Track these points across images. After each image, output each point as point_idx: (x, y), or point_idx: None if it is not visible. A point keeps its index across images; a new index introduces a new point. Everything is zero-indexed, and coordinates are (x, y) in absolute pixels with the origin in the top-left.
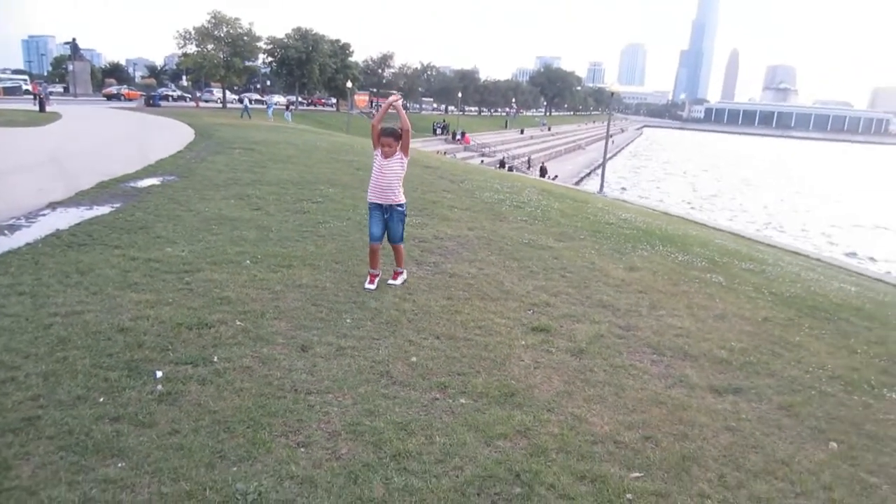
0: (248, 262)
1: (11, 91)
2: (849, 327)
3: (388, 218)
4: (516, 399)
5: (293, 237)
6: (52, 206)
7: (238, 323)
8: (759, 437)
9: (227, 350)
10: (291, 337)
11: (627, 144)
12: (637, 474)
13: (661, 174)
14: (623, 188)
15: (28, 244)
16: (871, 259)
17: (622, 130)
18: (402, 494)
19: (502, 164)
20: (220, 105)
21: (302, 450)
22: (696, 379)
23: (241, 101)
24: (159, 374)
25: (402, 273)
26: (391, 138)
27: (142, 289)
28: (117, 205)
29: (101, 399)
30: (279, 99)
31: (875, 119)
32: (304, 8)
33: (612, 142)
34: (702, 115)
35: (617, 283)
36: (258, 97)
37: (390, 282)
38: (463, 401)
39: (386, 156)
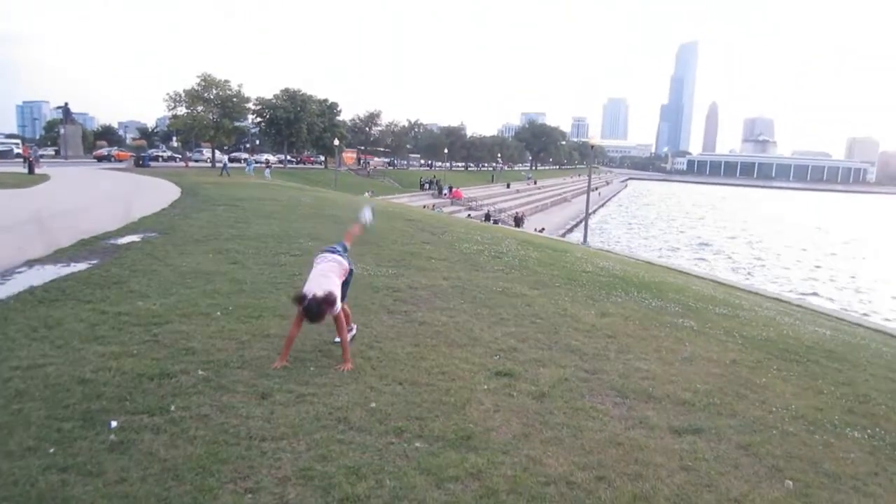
0: (218, 313)
1: (3, 154)
2: (818, 369)
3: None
4: (472, 442)
5: (267, 289)
6: (30, 263)
7: (200, 372)
8: (714, 475)
9: (186, 399)
10: (252, 385)
11: (614, 195)
12: None
13: (658, 224)
14: (618, 240)
15: None
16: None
17: (607, 183)
18: None
19: (487, 217)
20: (210, 165)
21: (249, 496)
22: (657, 420)
23: (221, 161)
24: (114, 423)
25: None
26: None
27: (108, 341)
28: (95, 261)
29: (52, 450)
30: (268, 157)
31: (853, 168)
32: (292, 68)
33: (599, 194)
34: (684, 166)
35: (587, 329)
36: (246, 156)
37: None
38: (418, 444)
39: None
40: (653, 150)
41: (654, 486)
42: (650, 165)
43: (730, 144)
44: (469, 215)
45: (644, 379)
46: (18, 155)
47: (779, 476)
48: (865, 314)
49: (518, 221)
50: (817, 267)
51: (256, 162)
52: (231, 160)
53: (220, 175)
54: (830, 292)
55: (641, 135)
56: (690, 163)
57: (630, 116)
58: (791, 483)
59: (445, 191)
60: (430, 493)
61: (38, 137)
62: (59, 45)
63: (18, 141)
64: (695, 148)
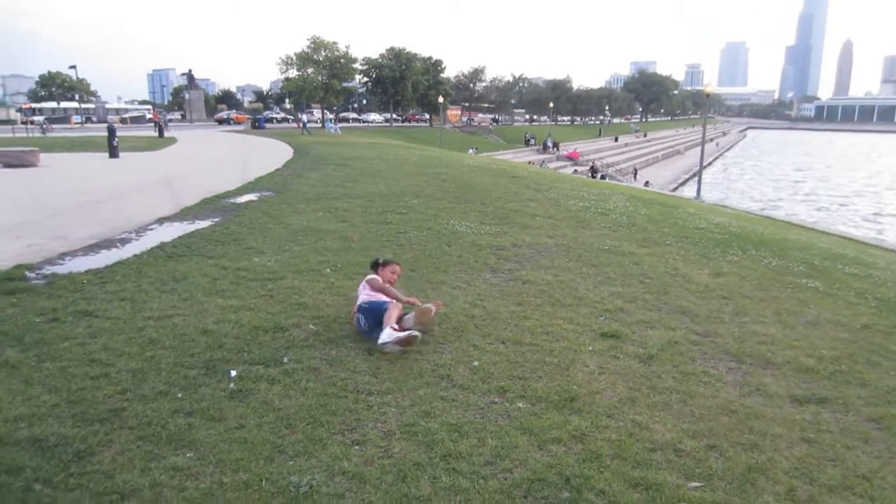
0: (328, 270)
1: (137, 120)
2: None
3: None
4: (576, 404)
5: (374, 247)
6: (160, 220)
7: (311, 327)
8: (839, 449)
9: (298, 352)
10: (360, 341)
11: (731, 147)
12: (696, 484)
13: (773, 177)
14: (725, 194)
15: (135, 255)
16: None
17: (724, 133)
18: (448, 494)
19: (594, 171)
20: (320, 126)
21: (356, 447)
22: (776, 388)
23: (301, 119)
24: (234, 373)
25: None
26: (399, 266)
27: (228, 295)
28: (217, 219)
29: (180, 394)
30: (375, 116)
31: None
32: (398, 27)
33: (717, 145)
34: (812, 113)
35: (699, 290)
36: (324, 114)
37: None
38: (520, 405)
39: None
40: (776, 97)
41: (771, 458)
42: (773, 113)
43: (867, 86)
44: (575, 171)
45: (762, 343)
46: (150, 119)
47: None
48: None
49: (594, 173)
50: None
51: (309, 121)
52: (340, 120)
53: (302, 134)
54: None
55: (764, 80)
56: (819, 108)
57: (751, 61)
58: None
59: (550, 144)
60: (531, 454)
61: (166, 103)
62: (182, 13)
63: (150, 107)
64: (825, 92)
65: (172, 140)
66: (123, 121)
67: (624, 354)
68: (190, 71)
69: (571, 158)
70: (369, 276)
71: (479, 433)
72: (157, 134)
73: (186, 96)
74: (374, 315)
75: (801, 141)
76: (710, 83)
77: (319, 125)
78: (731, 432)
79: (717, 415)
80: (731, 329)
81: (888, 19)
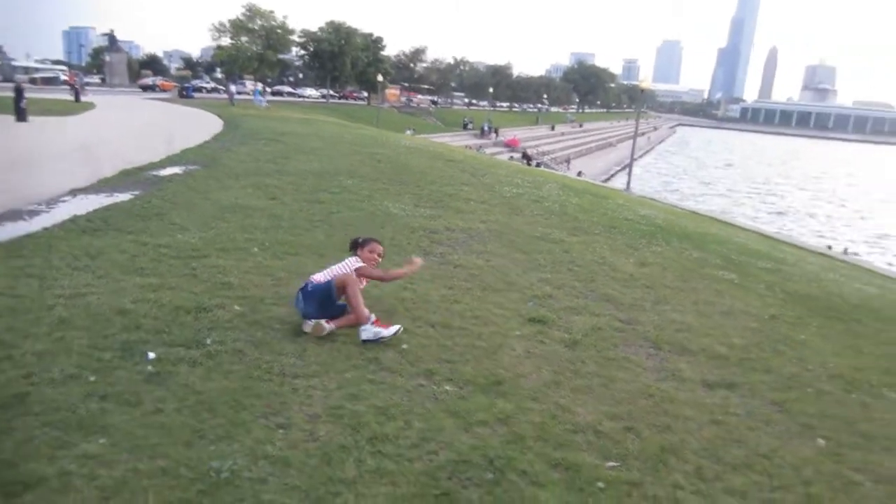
0: (255, 249)
1: (49, 81)
2: (860, 328)
3: None
4: (502, 388)
5: (304, 226)
6: (74, 192)
7: (236, 307)
8: (744, 431)
9: (222, 333)
10: (287, 322)
11: (661, 142)
12: (613, 464)
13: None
14: (669, 188)
15: (45, 228)
16: None
17: (655, 129)
18: (374, 476)
19: (527, 159)
20: (251, 98)
21: (280, 431)
22: (690, 373)
23: (229, 91)
24: (152, 355)
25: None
26: (379, 244)
27: (147, 273)
28: (137, 192)
29: (93, 378)
30: (260, 85)
31: None
32: (338, 1)
33: (648, 139)
34: (737, 114)
35: (624, 278)
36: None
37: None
38: (448, 388)
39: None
40: (706, 96)
41: (683, 439)
42: (701, 111)
43: (788, 92)
44: (511, 157)
45: (679, 331)
46: (65, 82)
47: (811, 434)
48: None
49: (528, 160)
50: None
51: (239, 92)
52: (274, 93)
53: (230, 105)
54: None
55: (695, 80)
56: (744, 110)
57: (684, 60)
58: (823, 441)
59: (487, 129)
60: (457, 437)
61: (83, 65)
62: None
63: (65, 68)
64: (750, 95)
65: (90, 105)
66: (33, 81)
67: (550, 339)
68: (112, 31)
69: (511, 145)
70: (357, 265)
71: (405, 416)
72: (72, 98)
73: (107, 59)
74: (318, 297)
75: (726, 140)
76: (646, 79)
77: (251, 97)
78: (648, 415)
79: (635, 398)
80: (651, 317)
81: (810, 30)
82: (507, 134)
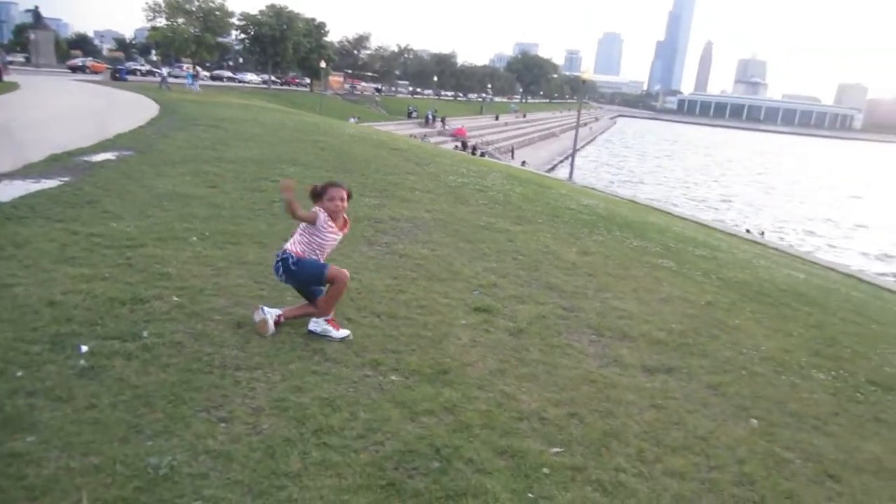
0: (194, 238)
1: None
2: (790, 312)
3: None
4: (448, 377)
5: (245, 215)
6: None
7: (175, 299)
8: (682, 414)
9: (160, 325)
10: (228, 313)
11: (602, 132)
12: (557, 450)
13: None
14: (613, 180)
15: None
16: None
17: (596, 119)
18: (319, 469)
19: (469, 147)
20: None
21: (222, 425)
22: (631, 359)
23: (160, 73)
24: (84, 348)
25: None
26: (342, 189)
27: (79, 263)
28: (66, 178)
29: (20, 373)
30: (252, 76)
31: (840, 115)
32: None
33: (590, 129)
34: (675, 105)
35: (567, 267)
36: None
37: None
38: (394, 378)
39: (336, 219)
40: (645, 88)
41: (624, 423)
42: (640, 103)
43: (722, 85)
44: (456, 147)
45: (620, 318)
46: None
47: (744, 415)
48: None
49: (472, 150)
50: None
51: (171, 75)
52: (213, 78)
53: (160, 88)
54: (803, 236)
55: (635, 71)
56: (681, 102)
57: (624, 52)
58: (756, 422)
59: (431, 117)
60: (403, 426)
61: (5, 42)
62: None
63: None
64: (687, 87)
65: (14, 86)
66: None
67: (495, 328)
68: (37, 7)
69: (458, 135)
70: (320, 217)
71: (351, 407)
72: None
73: (32, 37)
74: (303, 278)
75: (663, 130)
76: (588, 70)
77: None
78: (590, 400)
79: (578, 384)
80: (594, 304)
81: (742, 26)
82: (454, 124)
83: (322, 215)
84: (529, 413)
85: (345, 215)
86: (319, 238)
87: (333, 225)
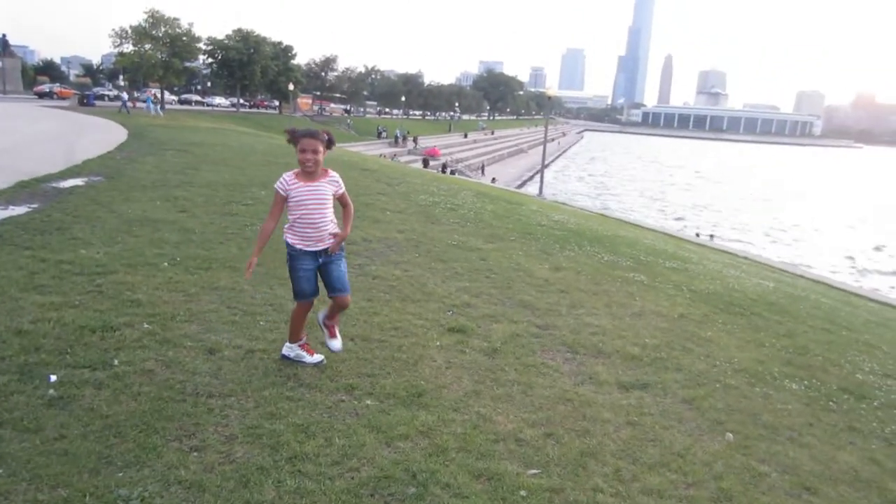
0: (165, 264)
1: None
2: (761, 321)
3: (327, 262)
4: (423, 399)
5: (217, 240)
6: None
7: (145, 326)
8: (658, 430)
9: (130, 353)
10: (200, 340)
11: (570, 147)
12: (534, 471)
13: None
14: (574, 192)
15: None
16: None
17: (563, 134)
18: (293, 497)
19: (443, 168)
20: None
21: (195, 454)
22: (606, 376)
23: (121, 97)
24: (53, 378)
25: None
26: (315, 141)
27: (48, 291)
28: (35, 205)
29: None
30: (220, 100)
31: (800, 122)
32: (246, 8)
33: (558, 144)
34: (639, 118)
35: (540, 284)
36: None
37: (331, 343)
38: (369, 402)
39: (309, 174)
40: (609, 102)
41: (601, 442)
42: (606, 117)
43: (684, 97)
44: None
45: (594, 334)
46: None
47: (720, 429)
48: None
49: (443, 168)
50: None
51: (130, 99)
52: (181, 102)
53: (119, 112)
54: (774, 243)
55: (599, 86)
56: (645, 115)
57: (588, 67)
58: (731, 436)
59: (400, 136)
60: (379, 452)
61: None
62: None
63: None
64: (650, 100)
65: None
66: None
67: (470, 348)
68: (3, 35)
69: (432, 155)
70: (278, 188)
71: (326, 433)
72: None
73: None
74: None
75: (629, 143)
76: (552, 86)
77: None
78: (567, 419)
79: (554, 404)
80: (567, 321)
81: (701, 37)
82: (426, 143)
83: (281, 183)
84: (506, 434)
85: (323, 167)
86: (297, 211)
87: (297, 180)
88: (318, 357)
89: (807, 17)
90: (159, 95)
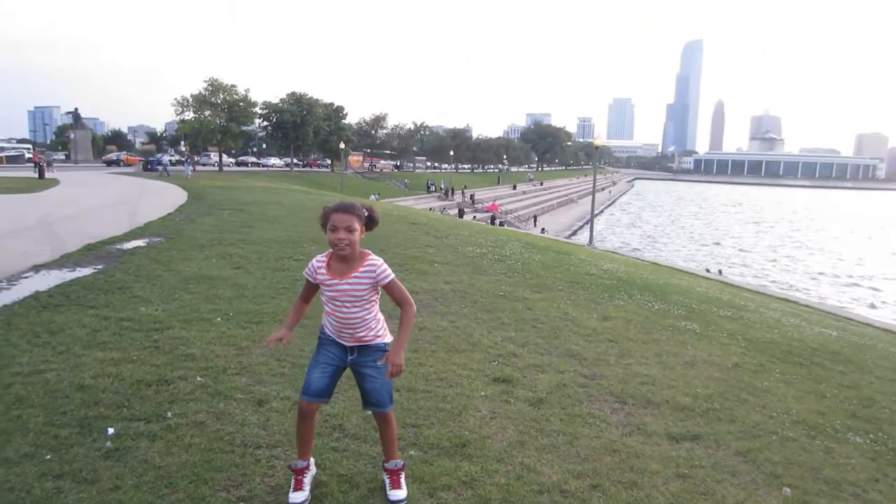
0: (219, 319)
1: (14, 159)
2: (822, 372)
3: (361, 363)
4: (467, 450)
5: (268, 294)
6: (36, 268)
7: (199, 379)
8: (710, 483)
9: (183, 406)
10: (250, 392)
11: (621, 195)
12: None
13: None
14: (626, 242)
15: (4, 306)
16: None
17: (614, 183)
18: None
19: (492, 220)
20: (217, 169)
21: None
22: (655, 426)
23: (162, 162)
24: (111, 430)
25: (401, 470)
26: (350, 216)
27: (109, 347)
28: (100, 266)
29: (49, 456)
30: (275, 160)
31: (862, 165)
32: (299, 71)
33: (609, 193)
34: (691, 165)
35: (588, 333)
36: (177, 157)
37: (392, 493)
38: (412, 452)
39: (343, 260)
40: (659, 150)
41: (649, 494)
42: (657, 165)
43: (737, 143)
44: (475, 217)
45: (643, 384)
46: (29, 159)
47: (776, 483)
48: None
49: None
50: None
51: (172, 163)
52: (238, 164)
53: (161, 176)
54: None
55: (648, 134)
56: (697, 162)
57: (636, 116)
58: (789, 490)
59: (442, 187)
60: (421, 503)
61: (48, 142)
62: (69, 49)
63: (30, 146)
64: (701, 147)
65: (54, 182)
66: None
67: (515, 398)
68: (76, 109)
69: (491, 211)
70: (308, 271)
71: (370, 483)
72: (36, 175)
73: (72, 135)
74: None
75: (683, 191)
76: (600, 136)
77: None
78: (613, 471)
79: (600, 455)
80: (615, 371)
81: (753, 82)
82: (486, 202)
83: (308, 270)
84: (550, 486)
85: (362, 250)
86: (328, 305)
87: (325, 271)
88: (299, 496)
89: (864, 57)
90: (192, 156)
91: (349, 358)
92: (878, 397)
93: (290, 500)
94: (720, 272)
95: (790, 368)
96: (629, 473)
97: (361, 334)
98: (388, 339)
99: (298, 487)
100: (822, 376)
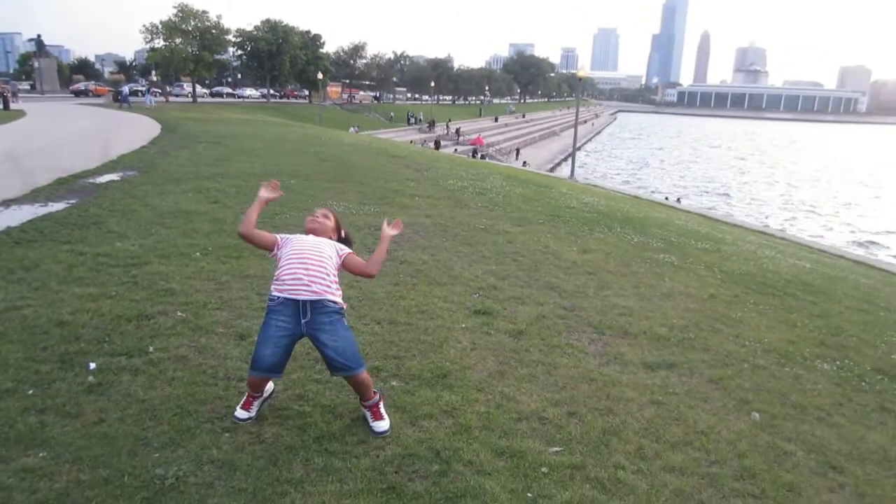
0: (197, 254)
1: None
2: (794, 302)
3: (315, 330)
4: (448, 380)
5: None
6: (6, 203)
7: (179, 314)
8: (683, 409)
9: (165, 340)
10: (231, 326)
11: (604, 128)
12: (556, 449)
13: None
14: (607, 173)
15: None
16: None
17: (596, 116)
18: (321, 474)
19: (474, 153)
20: (191, 100)
21: (226, 435)
22: (631, 356)
23: (121, 91)
24: (92, 365)
25: (379, 402)
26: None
27: (86, 283)
28: (73, 201)
29: (30, 391)
30: (251, 91)
31: (844, 98)
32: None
33: (592, 125)
34: (675, 98)
35: (567, 266)
36: (142, 88)
37: (375, 425)
38: (394, 383)
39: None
40: (643, 82)
41: (624, 421)
42: (640, 97)
43: (721, 75)
44: (456, 150)
45: (621, 315)
46: None
47: (746, 408)
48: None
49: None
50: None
51: (130, 92)
52: (213, 94)
53: (120, 107)
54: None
55: (632, 66)
56: (681, 94)
57: (621, 47)
58: (757, 415)
59: (411, 118)
60: (403, 431)
61: (11, 72)
62: None
63: None
64: (686, 79)
65: (20, 113)
66: None
67: (495, 330)
68: (39, 36)
69: (476, 145)
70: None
71: (352, 413)
72: (1, 106)
73: (36, 64)
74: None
75: (664, 123)
76: (584, 67)
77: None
78: (590, 399)
79: (577, 383)
80: (594, 303)
81: (739, 14)
82: (471, 134)
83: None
84: (529, 413)
85: (339, 231)
86: (286, 249)
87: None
88: (243, 414)
89: None
90: (153, 88)
91: (302, 321)
92: (846, 326)
93: (238, 415)
94: (678, 200)
95: (764, 299)
96: (605, 401)
97: (317, 287)
98: (341, 303)
99: (247, 406)
100: (794, 306)
